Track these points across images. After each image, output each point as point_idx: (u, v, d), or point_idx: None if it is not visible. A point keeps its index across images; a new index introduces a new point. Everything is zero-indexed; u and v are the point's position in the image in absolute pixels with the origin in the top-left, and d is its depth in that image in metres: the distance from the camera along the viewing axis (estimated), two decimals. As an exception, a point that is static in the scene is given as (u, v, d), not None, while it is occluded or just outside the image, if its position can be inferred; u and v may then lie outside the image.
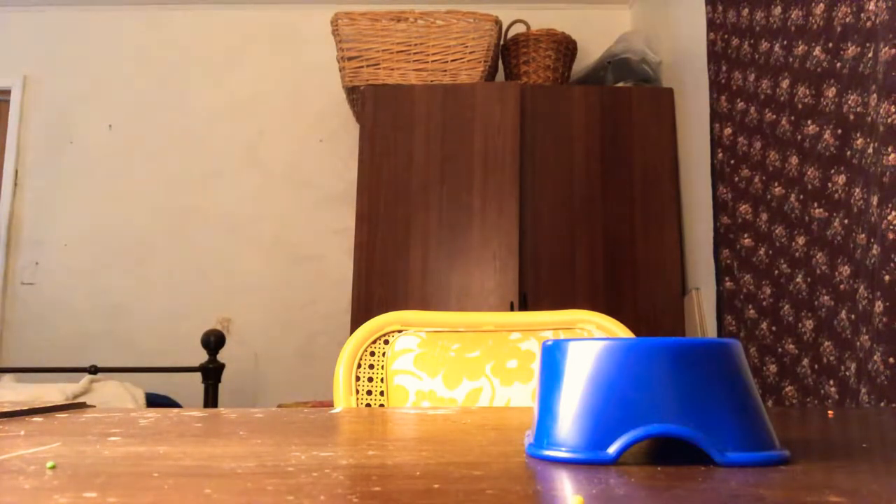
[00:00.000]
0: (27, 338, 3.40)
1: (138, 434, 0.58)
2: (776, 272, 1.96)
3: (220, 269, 3.43)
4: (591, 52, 3.37)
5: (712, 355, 0.46)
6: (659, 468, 0.43)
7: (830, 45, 1.73)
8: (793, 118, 1.90)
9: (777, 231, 1.97)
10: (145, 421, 0.68)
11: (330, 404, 2.71)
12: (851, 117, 1.63)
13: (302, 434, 0.59)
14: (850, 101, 1.64)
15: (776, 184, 1.98)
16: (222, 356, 2.88)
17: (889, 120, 1.41)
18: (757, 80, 2.11)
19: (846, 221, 1.64)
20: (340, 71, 2.98)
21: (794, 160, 1.89)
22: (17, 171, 3.53)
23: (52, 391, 2.39)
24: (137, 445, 0.52)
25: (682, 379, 0.45)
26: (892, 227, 1.38)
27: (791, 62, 1.92)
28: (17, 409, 0.74)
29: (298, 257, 3.43)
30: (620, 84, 2.98)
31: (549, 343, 0.50)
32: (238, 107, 3.56)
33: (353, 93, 3.01)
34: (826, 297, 1.72)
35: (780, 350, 1.93)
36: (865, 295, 1.48)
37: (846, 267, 1.63)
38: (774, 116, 2.00)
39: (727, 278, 2.25)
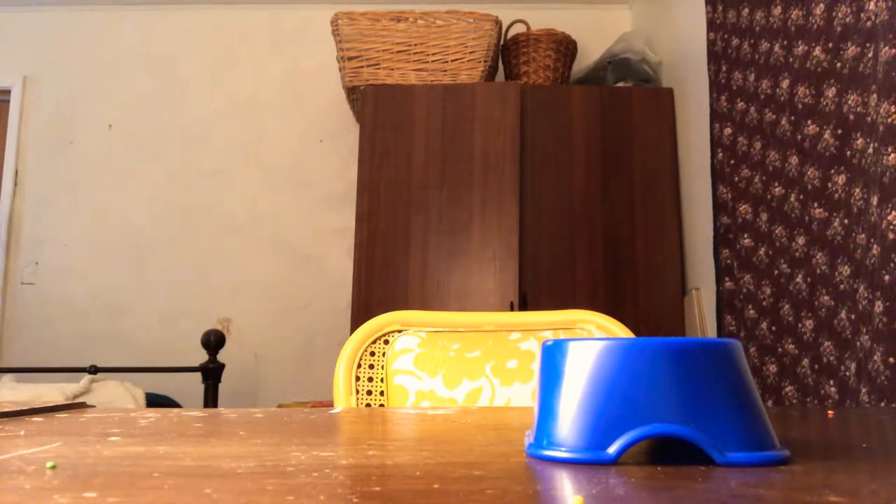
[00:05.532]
0: (27, 338, 3.40)
1: (138, 434, 0.58)
2: (776, 272, 1.96)
3: (220, 269, 3.43)
4: (591, 52, 3.37)
5: (712, 355, 0.46)
6: (659, 468, 0.43)
7: (830, 45, 1.73)
8: (793, 118, 1.90)
9: (777, 231, 1.97)
10: (145, 421, 0.68)
11: (330, 404, 2.71)
12: (851, 117, 1.63)
13: (302, 434, 0.59)
14: (850, 101, 1.64)
15: (776, 184, 1.98)
16: (222, 356, 2.88)
17: (889, 120, 1.41)
18: (757, 80, 2.11)
19: (846, 221, 1.64)
20: (340, 71, 2.98)
21: (794, 160, 1.89)
22: (17, 171, 3.53)
23: (52, 391, 2.39)
24: (137, 445, 0.52)
25: (682, 379, 0.45)
26: (892, 227, 1.38)
27: (791, 62, 1.92)
28: (17, 409, 0.74)
29: (298, 257, 3.43)
30: (620, 84, 2.98)
31: (549, 343, 0.50)
32: (238, 107, 3.56)
33: (353, 93, 3.01)
34: (826, 297, 1.72)
35: (780, 350, 1.93)
36: (865, 295, 1.48)
37: (846, 267, 1.63)
38: (774, 116, 2.00)
39: (727, 278, 2.25)
